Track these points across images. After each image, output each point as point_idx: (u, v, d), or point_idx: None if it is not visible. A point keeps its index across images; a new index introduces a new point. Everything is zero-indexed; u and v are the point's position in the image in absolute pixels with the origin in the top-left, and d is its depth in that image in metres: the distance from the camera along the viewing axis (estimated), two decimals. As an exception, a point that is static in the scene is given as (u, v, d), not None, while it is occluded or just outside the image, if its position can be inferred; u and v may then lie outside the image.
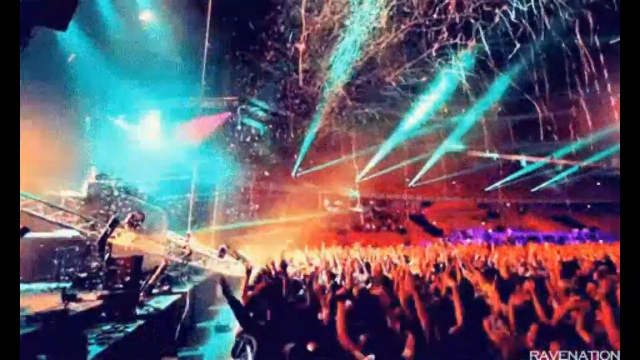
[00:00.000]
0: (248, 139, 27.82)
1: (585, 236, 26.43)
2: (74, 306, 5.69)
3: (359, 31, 25.12)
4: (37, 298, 6.56)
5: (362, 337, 2.78)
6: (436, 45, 26.56)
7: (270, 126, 29.84)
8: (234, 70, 26.36)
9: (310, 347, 2.80)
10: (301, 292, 4.59)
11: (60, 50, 14.25)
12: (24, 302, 5.96)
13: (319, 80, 27.45)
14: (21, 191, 7.79)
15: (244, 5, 23.85)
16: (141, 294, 6.83)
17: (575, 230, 28.99)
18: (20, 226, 5.35)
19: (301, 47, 25.64)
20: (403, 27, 25.59)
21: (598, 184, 33.81)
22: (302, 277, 5.82)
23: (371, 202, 32.08)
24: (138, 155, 17.18)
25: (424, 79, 29.44)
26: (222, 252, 9.82)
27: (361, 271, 6.06)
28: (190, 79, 20.31)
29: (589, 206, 33.48)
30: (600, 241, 20.68)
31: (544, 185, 34.23)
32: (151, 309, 6.61)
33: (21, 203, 7.59)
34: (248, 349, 3.56)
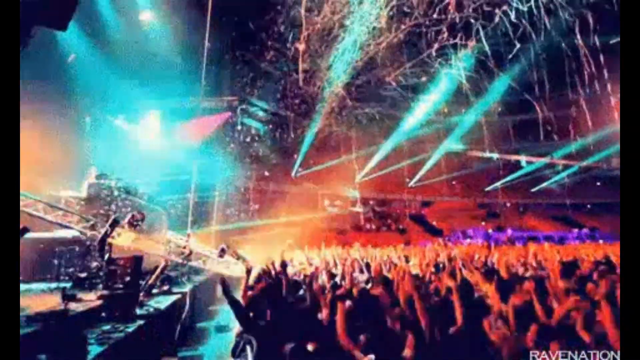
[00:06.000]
0: (248, 139, 27.82)
1: (585, 236, 26.44)
2: (74, 306, 5.68)
3: (359, 31, 25.13)
4: (37, 298, 6.56)
5: (362, 337, 2.78)
6: (436, 45, 26.60)
7: (270, 126, 29.86)
8: (233, 70, 26.37)
9: (310, 347, 2.80)
10: (301, 292, 4.59)
11: (60, 50, 14.25)
12: (24, 302, 5.96)
13: (319, 80, 27.47)
14: (21, 191, 7.78)
15: (244, 5, 23.85)
16: (141, 294, 6.84)
17: (575, 230, 29.00)
18: (20, 226, 5.35)
19: (301, 47, 25.65)
20: (403, 27, 25.61)
21: (598, 184, 33.82)
22: (302, 276, 5.81)
23: (371, 202, 32.08)
24: (138, 155, 17.19)
25: (424, 79, 29.48)
26: (222, 252, 9.81)
27: (361, 271, 6.05)
28: (190, 79, 20.29)
29: (589, 206, 33.50)
30: (600, 241, 20.68)
31: (544, 185, 34.26)
32: (151, 309, 6.61)
33: (21, 203, 7.58)
34: (248, 348, 3.56)
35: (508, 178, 33.04)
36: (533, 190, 34.37)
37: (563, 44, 26.38)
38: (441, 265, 6.28)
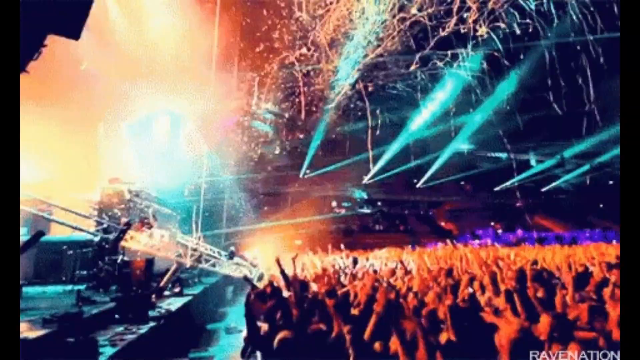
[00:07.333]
0: (256, 141, 27.99)
1: (597, 236, 26.01)
2: (88, 308, 5.81)
3: (365, 31, 25.12)
4: (52, 300, 6.71)
5: (376, 345, 2.78)
6: (441, 37, 26.27)
7: (278, 128, 29.97)
8: (241, 72, 26.56)
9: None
10: (310, 295, 4.60)
11: (71, 56, 14.52)
12: (39, 304, 6.12)
13: (326, 82, 27.51)
14: (36, 195, 7.99)
15: (251, 8, 24.09)
16: (153, 296, 6.95)
17: (587, 231, 28.55)
18: (36, 230, 5.51)
19: (307, 49, 25.74)
20: (409, 26, 25.51)
21: (610, 182, 33.19)
22: (311, 280, 5.84)
23: (379, 203, 32.01)
24: (149, 158, 17.41)
25: (431, 78, 29.31)
26: (232, 255, 9.93)
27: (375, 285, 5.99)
28: (199, 82, 20.51)
29: (601, 205, 32.91)
30: (614, 241, 20.32)
31: (554, 184, 33.76)
32: (163, 311, 6.72)
33: (37, 207, 7.79)
34: (257, 350, 3.62)
35: (518, 178, 32.60)
36: (543, 189, 33.91)
37: (574, 41, 25.99)
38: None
